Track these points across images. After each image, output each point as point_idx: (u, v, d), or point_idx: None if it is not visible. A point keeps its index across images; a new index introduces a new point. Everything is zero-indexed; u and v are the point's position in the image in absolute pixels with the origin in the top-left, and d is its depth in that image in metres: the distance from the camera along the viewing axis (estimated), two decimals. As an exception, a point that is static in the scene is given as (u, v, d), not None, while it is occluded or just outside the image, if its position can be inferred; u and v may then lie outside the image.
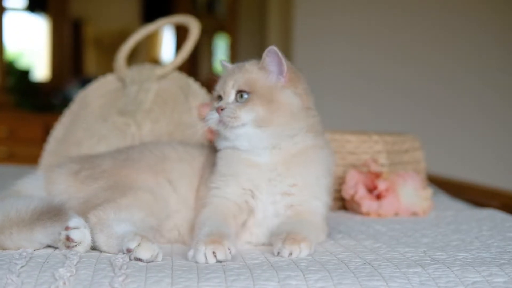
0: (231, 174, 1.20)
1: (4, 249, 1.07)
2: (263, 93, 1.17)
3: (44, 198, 1.14)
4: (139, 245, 1.02)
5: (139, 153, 1.26)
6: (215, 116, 1.18)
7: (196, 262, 1.02)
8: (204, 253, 1.01)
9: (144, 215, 1.12)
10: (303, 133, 1.21)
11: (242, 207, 1.18)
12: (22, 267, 0.95)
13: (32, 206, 1.07)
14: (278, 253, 1.08)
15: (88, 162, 1.24)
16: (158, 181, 1.20)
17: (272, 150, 1.19)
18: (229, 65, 1.27)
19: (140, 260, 1.01)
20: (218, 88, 1.23)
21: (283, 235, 1.10)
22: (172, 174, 1.23)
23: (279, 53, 1.18)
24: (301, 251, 1.08)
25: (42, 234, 1.06)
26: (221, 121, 1.17)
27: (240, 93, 1.18)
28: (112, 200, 1.12)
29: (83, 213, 1.10)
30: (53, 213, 1.07)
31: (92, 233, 1.08)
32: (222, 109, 1.17)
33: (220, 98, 1.22)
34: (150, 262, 1.01)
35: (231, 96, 1.19)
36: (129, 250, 1.02)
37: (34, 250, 1.06)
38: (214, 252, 1.01)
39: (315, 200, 1.21)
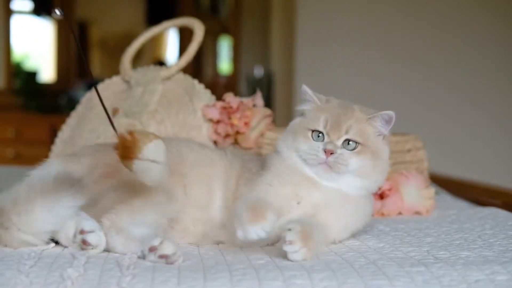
0: (289, 181, 1.19)
1: (19, 235, 1.07)
2: (372, 149, 1.19)
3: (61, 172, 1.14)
4: (161, 242, 1.03)
5: None
6: (320, 156, 1.17)
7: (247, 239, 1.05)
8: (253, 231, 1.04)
9: (157, 216, 1.13)
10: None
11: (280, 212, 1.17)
12: (31, 267, 0.96)
13: (53, 175, 1.09)
14: (290, 230, 1.06)
15: (103, 157, 1.20)
16: (172, 180, 1.18)
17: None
18: (314, 95, 1.24)
19: (165, 256, 1.02)
20: (322, 125, 1.19)
21: (304, 228, 1.08)
22: (186, 175, 1.22)
23: (394, 120, 1.20)
24: (308, 252, 1.06)
25: (68, 201, 1.07)
26: (326, 164, 1.16)
27: (348, 140, 1.18)
28: (124, 201, 1.11)
29: (95, 215, 1.10)
30: (73, 181, 1.08)
31: (106, 236, 1.08)
32: (331, 153, 1.16)
33: (316, 132, 1.19)
34: (174, 261, 1.02)
35: (340, 140, 1.18)
36: (152, 249, 1.02)
37: (43, 250, 1.07)
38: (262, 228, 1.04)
39: (340, 234, 1.22)
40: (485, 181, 2.14)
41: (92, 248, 1.06)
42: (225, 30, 5.10)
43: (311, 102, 1.25)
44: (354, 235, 1.27)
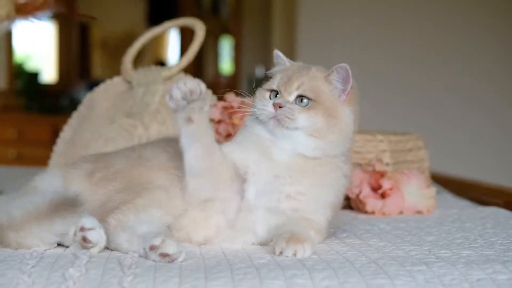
0: (247, 144, 1.19)
1: (20, 247, 1.08)
2: (326, 106, 1.16)
3: (59, 191, 1.15)
4: (163, 241, 1.02)
5: (151, 151, 1.24)
6: (269, 110, 1.16)
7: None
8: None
9: (161, 213, 1.13)
10: (340, 154, 1.20)
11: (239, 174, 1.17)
12: (32, 267, 0.96)
13: (48, 199, 1.09)
14: (281, 252, 1.08)
15: (102, 162, 1.23)
16: (170, 178, 1.18)
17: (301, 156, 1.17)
18: (286, 59, 1.25)
19: (167, 255, 1.01)
20: (277, 83, 1.19)
21: (286, 235, 1.10)
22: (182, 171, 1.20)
23: (350, 72, 1.17)
24: (305, 251, 1.08)
25: (62, 225, 1.08)
26: (275, 118, 1.15)
27: (301, 97, 1.17)
28: (128, 201, 1.12)
29: (100, 217, 1.10)
30: (69, 204, 1.09)
31: (112, 234, 1.08)
32: (280, 107, 1.15)
33: (274, 92, 1.19)
34: (175, 259, 1.02)
35: (292, 96, 1.17)
36: (153, 247, 1.02)
37: (45, 250, 1.08)
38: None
39: (317, 214, 1.19)
40: (486, 181, 2.14)
41: (92, 246, 1.06)
42: (226, 30, 5.11)
43: (281, 65, 1.25)
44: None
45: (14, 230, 1.08)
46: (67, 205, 1.09)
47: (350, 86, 1.18)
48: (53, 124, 4.03)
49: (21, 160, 4.14)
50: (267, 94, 1.20)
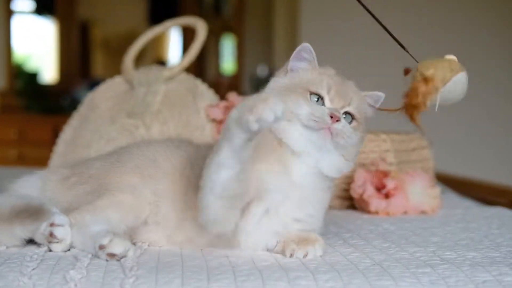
0: (269, 158, 1.07)
1: None
2: (362, 128, 1.11)
3: (25, 196, 1.16)
4: (111, 241, 1.02)
5: (129, 154, 1.21)
6: (326, 119, 1.04)
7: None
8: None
9: (120, 215, 1.11)
10: None
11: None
12: (33, 269, 0.96)
13: (11, 203, 1.10)
14: (291, 254, 1.07)
15: (79, 167, 1.22)
16: (143, 181, 1.15)
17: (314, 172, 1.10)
18: (315, 62, 1.13)
19: (113, 255, 1.01)
20: (326, 90, 1.08)
21: (295, 238, 1.09)
22: (157, 178, 1.16)
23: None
24: (316, 251, 1.07)
25: (22, 231, 1.09)
26: (329, 130, 1.05)
27: (345, 113, 1.09)
28: (89, 202, 1.12)
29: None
30: (31, 211, 1.09)
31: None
32: (337, 120, 1.05)
33: (316, 96, 1.08)
34: (123, 257, 1.02)
35: (343, 110, 1.08)
36: (101, 247, 1.02)
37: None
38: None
39: (317, 226, 1.15)
40: (491, 180, 2.13)
41: (57, 242, 1.07)
42: (228, 29, 5.10)
43: (310, 62, 1.14)
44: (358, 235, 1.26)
45: None
46: (29, 212, 1.09)
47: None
48: (54, 124, 4.03)
49: (22, 160, 4.14)
50: (308, 95, 1.08)
